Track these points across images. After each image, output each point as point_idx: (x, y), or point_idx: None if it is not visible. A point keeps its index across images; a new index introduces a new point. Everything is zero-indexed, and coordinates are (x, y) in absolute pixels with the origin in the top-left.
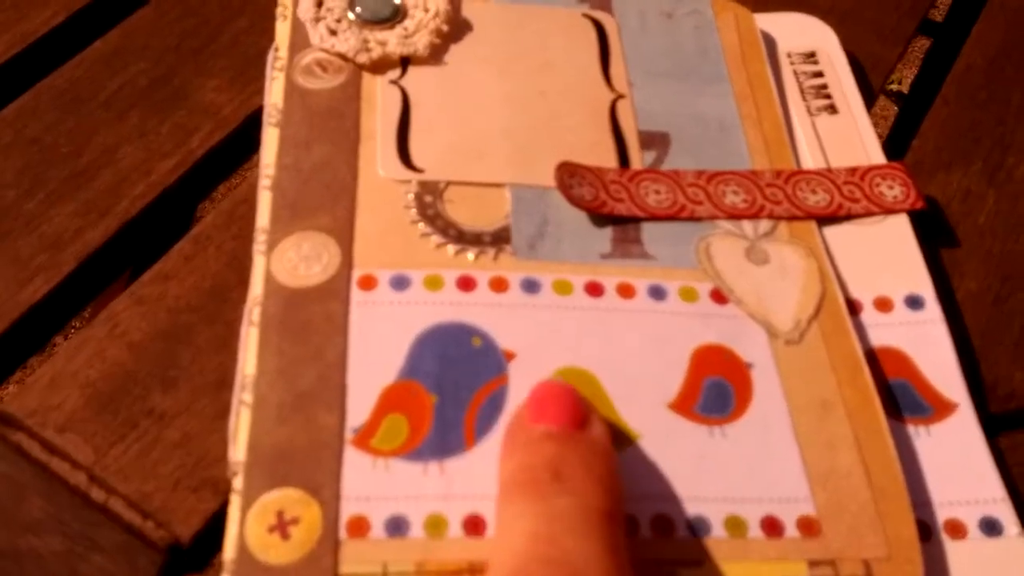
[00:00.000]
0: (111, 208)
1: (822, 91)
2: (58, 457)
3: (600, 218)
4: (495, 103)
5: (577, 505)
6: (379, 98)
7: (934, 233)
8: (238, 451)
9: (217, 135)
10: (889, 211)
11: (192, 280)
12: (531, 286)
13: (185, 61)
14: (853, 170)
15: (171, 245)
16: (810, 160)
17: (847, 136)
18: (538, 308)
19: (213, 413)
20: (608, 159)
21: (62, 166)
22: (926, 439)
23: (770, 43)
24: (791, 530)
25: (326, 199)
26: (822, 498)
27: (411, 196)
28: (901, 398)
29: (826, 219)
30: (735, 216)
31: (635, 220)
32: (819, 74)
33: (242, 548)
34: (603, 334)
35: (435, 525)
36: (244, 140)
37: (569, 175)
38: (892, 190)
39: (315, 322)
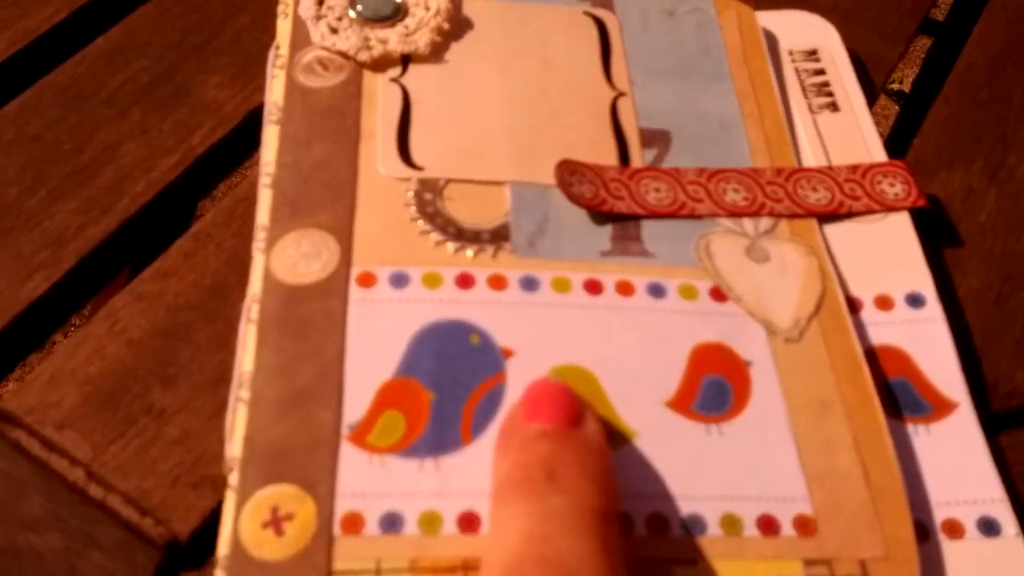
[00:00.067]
0: (112, 205)
1: (824, 89)
2: (57, 454)
3: (600, 216)
4: (496, 101)
5: (571, 504)
6: (380, 96)
7: (935, 232)
8: (234, 447)
9: (219, 132)
10: (890, 209)
11: (192, 278)
12: (530, 284)
13: (187, 58)
14: (854, 168)
15: (171, 242)
16: (811, 158)
17: (848, 134)
18: (537, 306)
19: (212, 410)
20: (609, 157)
21: (64, 163)
22: (925, 438)
23: (772, 41)
24: (787, 529)
25: (326, 197)
26: (819, 497)
27: (411, 194)
28: (901, 397)
29: (827, 217)
30: (735, 214)
31: (635, 218)
32: (821, 72)
33: (236, 544)
34: (602, 332)
35: (430, 522)
36: (245, 137)
37: (569, 173)
38: (893, 188)
39: (314, 319)
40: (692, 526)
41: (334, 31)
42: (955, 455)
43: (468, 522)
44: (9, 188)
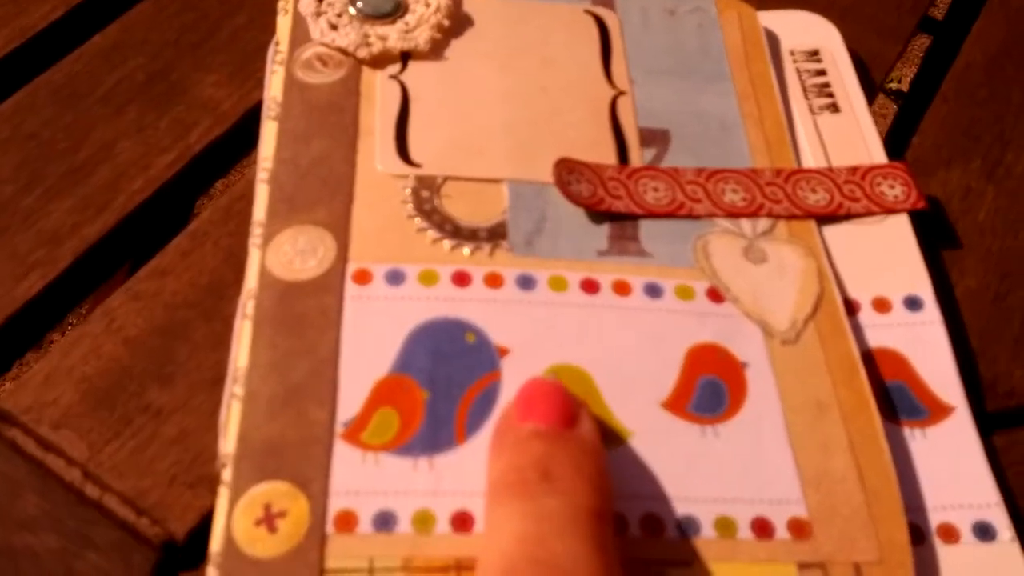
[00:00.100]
0: (109, 203)
1: (824, 90)
2: (53, 454)
3: (598, 215)
4: (495, 99)
5: (566, 505)
6: (378, 93)
7: (933, 230)
8: (228, 443)
9: (216, 130)
10: (889, 211)
11: (189, 276)
12: (526, 282)
13: (184, 56)
14: (854, 169)
15: (169, 240)
16: (811, 159)
17: (849, 135)
18: (533, 304)
19: (209, 410)
20: (607, 156)
21: (60, 161)
22: (921, 442)
23: (773, 41)
24: (782, 532)
25: (323, 193)
26: (814, 500)
27: (408, 191)
28: (897, 400)
29: (826, 218)
30: (734, 214)
31: (633, 217)
32: (822, 72)
33: (229, 541)
34: (598, 331)
35: (423, 521)
36: (243, 135)
37: (567, 171)
38: (893, 190)
39: (309, 316)
40: (686, 527)
41: (334, 27)
42: (951, 459)
43: (461, 521)
44: (5, 187)
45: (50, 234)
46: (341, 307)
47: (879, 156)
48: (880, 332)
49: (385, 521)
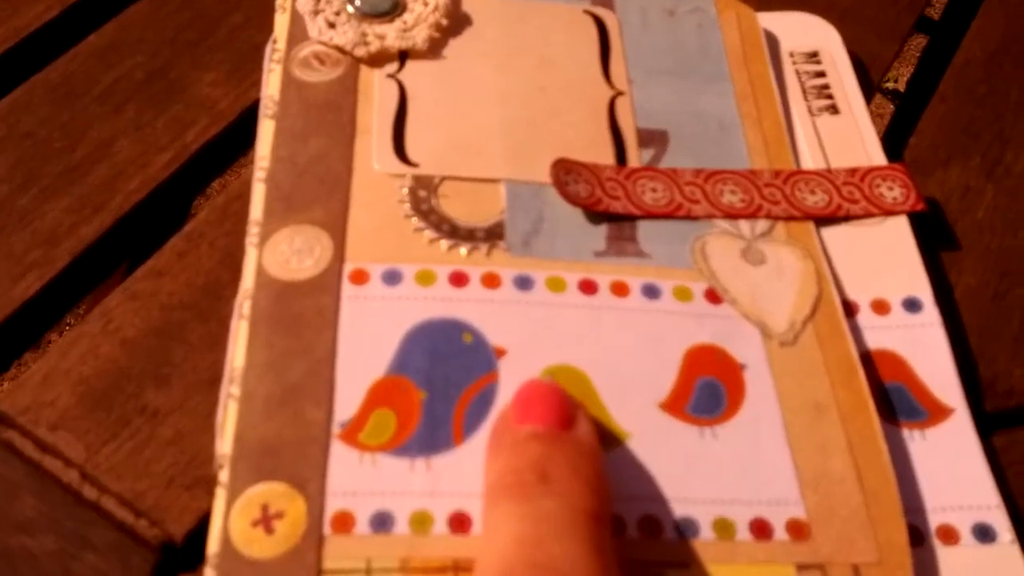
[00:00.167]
0: (106, 203)
1: (824, 91)
2: (50, 455)
3: (596, 216)
4: (493, 98)
5: (563, 507)
6: (376, 92)
7: (932, 229)
8: (225, 444)
9: (213, 129)
10: (888, 212)
11: (185, 277)
12: (524, 283)
13: (181, 55)
14: (853, 171)
15: (167, 240)
16: (810, 160)
17: (848, 137)
18: (530, 305)
19: (207, 411)
20: (605, 156)
21: (56, 161)
22: (921, 443)
23: (773, 42)
24: (780, 533)
25: (320, 192)
26: (813, 501)
27: (405, 190)
28: (897, 402)
29: (824, 220)
30: (732, 215)
31: (631, 218)
32: (821, 74)
33: (226, 542)
34: (595, 332)
35: (420, 522)
36: (240, 134)
37: (565, 172)
38: (892, 191)
39: (306, 316)
40: (684, 529)
41: (331, 26)
42: (950, 461)
43: (459, 522)
44: (1, 186)
45: (47, 234)
46: (338, 307)
47: (878, 158)
48: (879, 334)
49: (382, 522)
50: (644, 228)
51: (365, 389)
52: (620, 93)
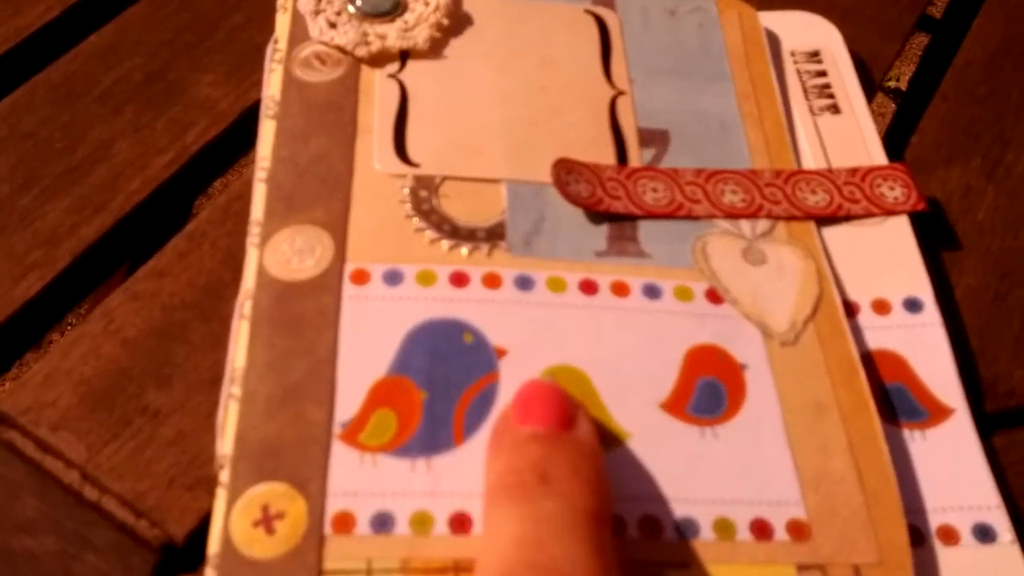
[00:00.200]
0: (106, 204)
1: (825, 91)
2: (51, 455)
3: (596, 215)
4: (493, 98)
5: (564, 508)
6: (377, 92)
7: (933, 230)
8: (225, 444)
9: (213, 130)
10: (889, 212)
11: (187, 277)
12: (525, 283)
13: (180, 56)
14: (854, 171)
15: (168, 240)
16: (811, 160)
17: (849, 136)
18: (531, 305)
19: (208, 411)
20: (606, 156)
21: (57, 161)
22: (921, 444)
23: (774, 41)
24: (780, 533)
25: (321, 192)
26: (813, 501)
27: (406, 191)
28: (897, 402)
29: (825, 220)
30: (733, 215)
31: (632, 218)
32: (822, 73)
33: (226, 542)
34: (596, 332)
35: (421, 522)
36: (240, 135)
37: (566, 171)
38: (893, 191)
39: (306, 316)
40: (685, 529)
41: (332, 26)
42: (951, 461)
43: (459, 523)
44: (2, 186)
45: (48, 234)
46: (339, 307)
47: (879, 158)
48: (880, 334)
49: (383, 522)
50: (645, 228)
51: (366, 389)
52: (621, 93)
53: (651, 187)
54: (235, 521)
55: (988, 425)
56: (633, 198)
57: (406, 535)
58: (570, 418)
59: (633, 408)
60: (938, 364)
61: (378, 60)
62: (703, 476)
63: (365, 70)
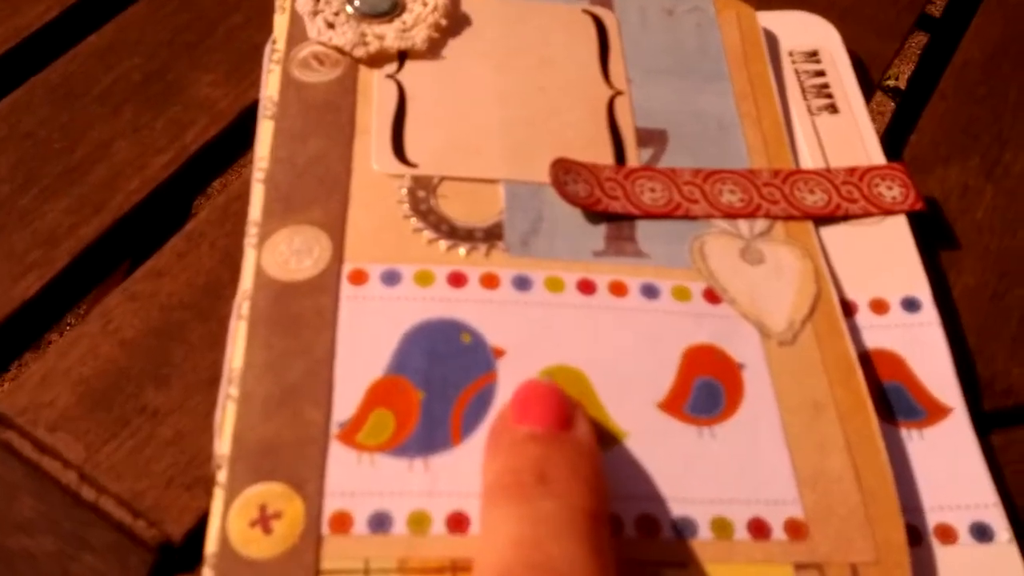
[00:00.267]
0: (105, 203)
1: (823, 90)
2: (49, 456)
3: (594, 215)
4: (491, 98)
5: (562, 507)
6: (375, 92)
7: (931, 229)
8: (223, 444)
9: (212, 130)
10: (887, 212)
11: (185, 277)
12: (522, 283)
13: (179, 56)
14: (852, 170)
15: (167, 240)
16: (809, 160)
17: (847, 136)
18: (529, 305)
19: (206, 411)
20: (604, 156)
21: (56, 161)
22: (919, 443)
23: (772, 41)
24: (778, 532)
25: (319, 193)
26: (811, 500)
27: (404, 191)
28: (895, 401)
29: (823, 219)
30: (731, 215)
31: (630, 218)
32: (821, 73)
33: (224, 542)
34: (594, 332)
35: (418, 522)
36: (239, 135)
37: (564, 171)
38: (891, 191)
39: (304, 316)
40: (682, 528)
41: (331, 26)
42: (948, 460)
43: (457, 522)
44: (1, 186)
45: (47, 234)
46: (337, 307)
47: (877, 157)
48: (877, 333)
49: (380, 522)
50: (643, 228)
51: (364, 389)
52: (619, 93)
53: (649, 187)
54: (233, 521)
55: (986, 424)
56: (631, 198)
57: (403, 535)
58: (568, 418)
59: (631, 408)
60: (936, 363)
61: (376, 60)
62: (701, 475)
63: (363, 70)
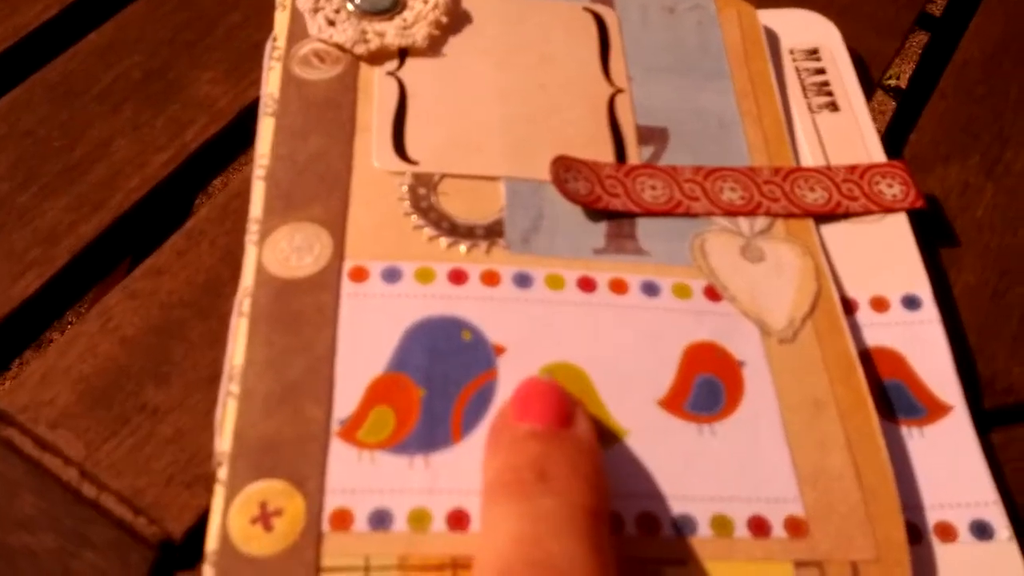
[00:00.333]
0: (105, 202)
1: (824, 88)
2: (50, 453)
3: (595, 213)
4: (492, 96)
5: (562, 505)
6: (376, 89)
7: (932, 227)
8: (224, 441)
9: (212, 128)
10: (888, 210)
11: (185, 275)
12: (523, 280)
13: (179, 54)
14: (852, 168)
15: (168, 238)
16: (810, 158)
17: (848, 134)
18: (529, 302)
19: (206, 409)
20: (605, 154)
21: (55, 159)
22: (919, 440)
23: (773, 39)
24: (778, 530)
25: (320, 190)
26: (811, 498)
27: (405, 188)
28: (895, 399)
29: (824, 217)
30: (731, 213)
31: (630, 215)
32: (821, 71)
33: (225, 539)
34: (594, 330)
35: (419, 519)
36: (239, 133)
37: (565, 169)
38: (891, 189)
39: (305, 313)
40: (682, 526)
41: (331, 23)
42: (949, 458)
43: (457, 520)
44: (0, 185)
45: (46, 232)
46: (337, 304)
47: (878, 155)
48: (878, 331)
49: (381, 519)
50: (643, 225)
51: (364, 386)
52: (620, 90)
53: (650, 185)
54: (233, 518)
55: (986, 422)
56: (632, 196)
57: (404, 532)
58: (568, 415)
59: (631, 405)
60: (936, 361)
61: (377, 58)
62: (701, 473)
63: (364, 68)
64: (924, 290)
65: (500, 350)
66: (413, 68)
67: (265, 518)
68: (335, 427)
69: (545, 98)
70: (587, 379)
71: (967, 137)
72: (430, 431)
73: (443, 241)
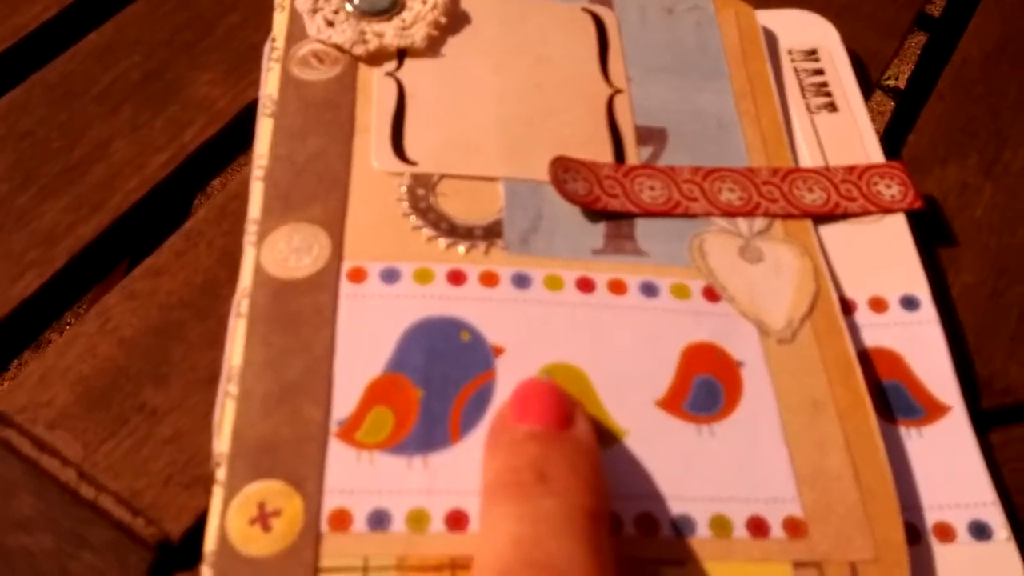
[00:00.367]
0: (103, 203)
1: (822, 89)
2: (48, 454)
3: (594, 213)
4: (491, 96)
5: (561, 506)
6: (375, 90)
7: (930, 227)
8: (222, 442)
9: (210, 129)
10: (886, 210)
11: (184, 276)
12: (522, 281)
13: (178, 55)
14: (851, 169)
15: (167, 239)
16: (808, 158)
17: (846, 134)
18: (528, 303)
19: (205, 410)
20: (604, 154)
21: (54, 160)
22: (918, 441)
23: (771, 40)
24: (777, 531)
25: (319, 191)
26: (810, 499)
27: (404, 189)
28: (893, 399)
29: (822, 218)
30: (730, 213)
31: (629, 216)
32: (820, 72)
33: (223, 540)
34: (593, 330)
35: (417, 520)
36: (237, 134)
37: (563, 170)
38: (890, 189)
39: (303, 314)
40: (681, 527)
41: (330, 24)
42: (947, 458)
43: (456, 520)
44: None
45: (45, 233)
46: (336, 305)
47: (876, 156)
48: (876, 331)
49: (379, 520)
50: (642, 226)
51: (363, 387)
52: (618, 91)
53: (648, 185)
54: (231, 519)
55: (984, 422)
56: (630, 196)
57: (402, 533)
58: (567, 416)
59: (630, 406)
60: (935, 361)
61: (376, 58)
62: (700, 474)
63: (363, 68)
64: (922, 291)
65: (499, 351)
66: (412, 69)
67: (263, 519)
68: (334, 428)
69: (544, 98)
70: (586, 380)
71: (965, 137)
72: (429, 432)
73: (442, 242)
